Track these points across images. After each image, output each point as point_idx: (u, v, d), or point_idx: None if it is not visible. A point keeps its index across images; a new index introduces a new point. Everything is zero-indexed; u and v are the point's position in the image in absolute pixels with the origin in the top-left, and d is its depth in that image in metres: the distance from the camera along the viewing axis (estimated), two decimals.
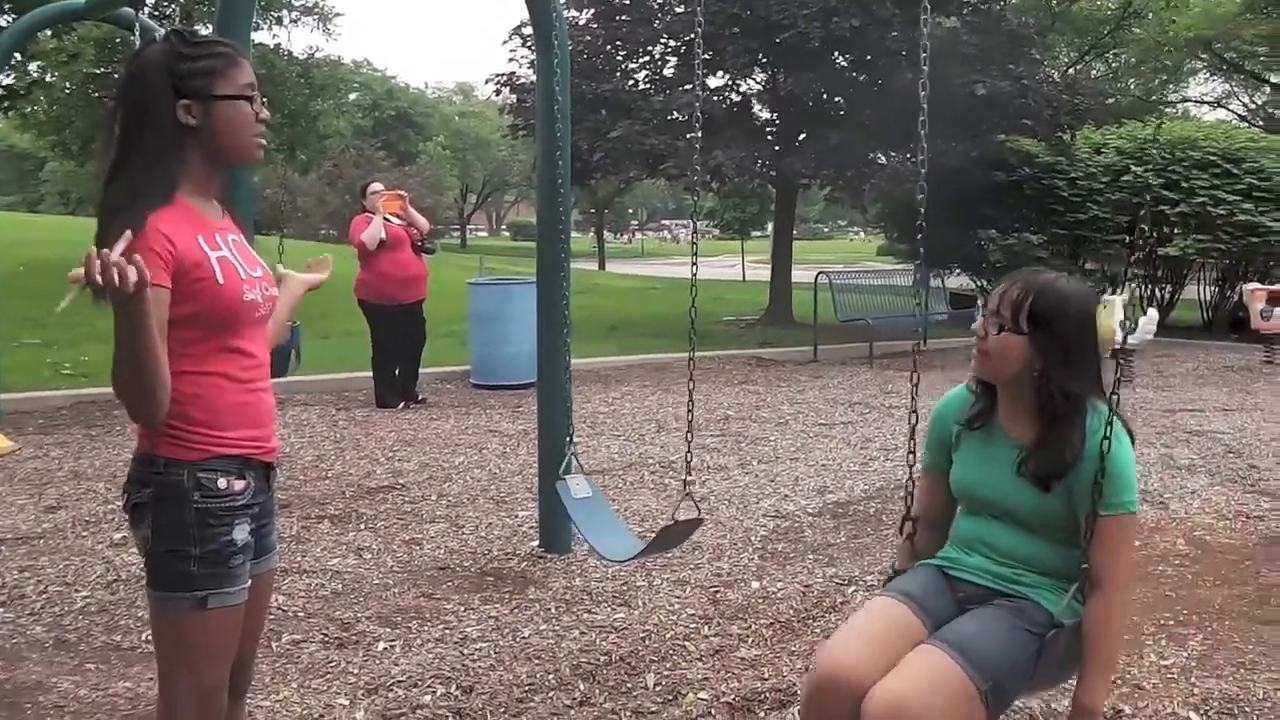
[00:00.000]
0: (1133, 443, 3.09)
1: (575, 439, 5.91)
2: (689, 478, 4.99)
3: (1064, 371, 3.06)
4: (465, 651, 4.74)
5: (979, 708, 2.88)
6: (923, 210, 3.60)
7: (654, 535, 5.30)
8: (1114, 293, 15.10)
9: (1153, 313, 13.26)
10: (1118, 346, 12.34)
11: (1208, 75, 38.67)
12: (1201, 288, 20.38)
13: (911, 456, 3.53)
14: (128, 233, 2.27)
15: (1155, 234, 18.92)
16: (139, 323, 2.29)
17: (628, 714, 4.16)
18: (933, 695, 2.83)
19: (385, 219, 10.59)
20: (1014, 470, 3.13)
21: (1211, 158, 18.32)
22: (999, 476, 3.17)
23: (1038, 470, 3.07)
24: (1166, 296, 20.00)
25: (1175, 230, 18.38)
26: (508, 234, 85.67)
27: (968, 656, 2.89)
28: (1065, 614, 3.02)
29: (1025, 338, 3.06)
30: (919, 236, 3.55)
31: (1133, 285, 16.70)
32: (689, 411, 4.96)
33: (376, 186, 11.13)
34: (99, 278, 2.15)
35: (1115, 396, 3.04)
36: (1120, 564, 3.02)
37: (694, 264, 4.93)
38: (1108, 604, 3.01)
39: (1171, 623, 5.16)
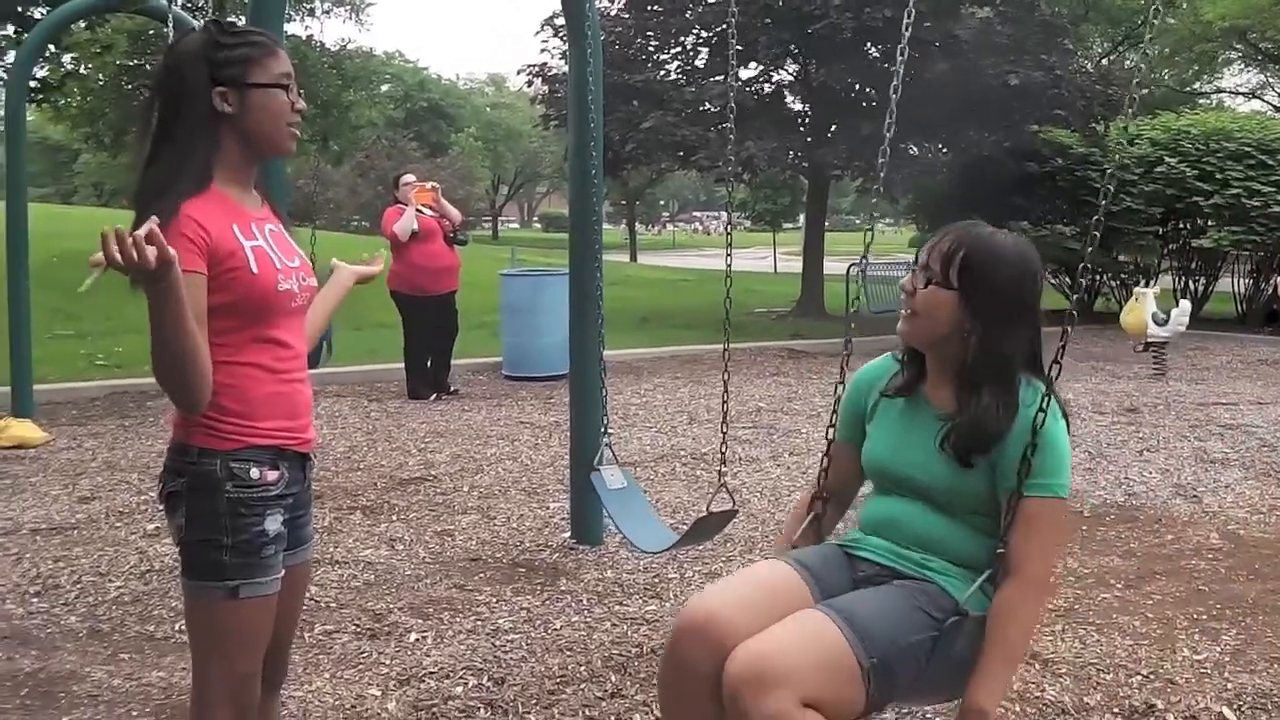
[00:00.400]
0: (1068, 427, 2.83)
1: (609, 431, 5.91)
2: (724, 469, 4.98)
3: (995, 334, 2.80)
4: (497, 643, 4.73)
5: (859, 686, 2.58)
6: (882, 171, 3.55)
7: (688, 527, 5.29)
8: (1147, 285, 14.99)
9: (1185, 305, 13.17)
10: (1150, 339, 12.38)
11: (1242, 66, 38.41)
12: (1235, 280, 20.21)
13: (831, 430, 3.27)
14: (154, 217, 2.27)
15: (1189, 225, 18.79)
16: (170, 304, 2.28)
17: (659, 706, 4.14)
18: (807, 660, 2.53)
19: (417, 210, 10.58)
20: (935, 444, 2.85)
21: (1246, 149, 18.13)
22: (917, 451, 2.91)
23: (958, 442, 2.80)
24: (1200, 289, 19.86)
25: (1209, 222, 18.25)
26: (539, 225, 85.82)
27: (855, 627, 2.60)
28: (971, 603, 2.73)
29: (955, 293, 2.82)
30: (874, 202, 3.49)
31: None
32: (724, 403, 4.94)
33: (409, 178, 11.14)
34: (117, 256, 2.15)
35: (1057, 366, 2.79)
36: (1039, 551, 2.74)
37: (729, 255, 4.93)
38: (1020, 593, 2.71)
39: (1204, 617, 5.11)
